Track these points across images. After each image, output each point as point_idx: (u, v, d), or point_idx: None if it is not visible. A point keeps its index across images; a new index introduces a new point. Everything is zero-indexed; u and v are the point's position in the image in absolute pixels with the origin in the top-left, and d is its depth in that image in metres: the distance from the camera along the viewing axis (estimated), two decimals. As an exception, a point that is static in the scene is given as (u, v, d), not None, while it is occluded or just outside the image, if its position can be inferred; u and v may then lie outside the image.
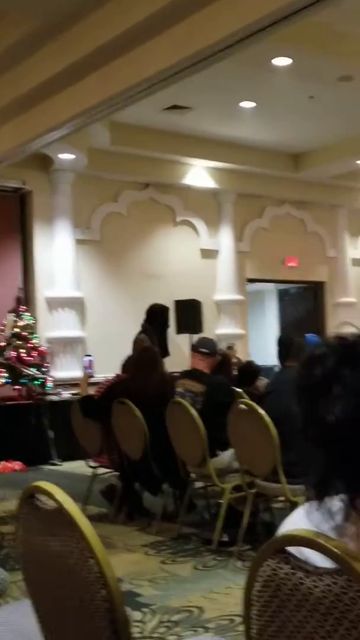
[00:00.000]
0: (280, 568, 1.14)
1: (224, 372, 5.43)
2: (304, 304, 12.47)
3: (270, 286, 13.56)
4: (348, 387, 1.05)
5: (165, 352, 8.11)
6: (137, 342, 6.51)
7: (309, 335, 6.82)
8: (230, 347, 9.34)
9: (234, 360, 8.13)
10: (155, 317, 8.54)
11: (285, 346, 4.41)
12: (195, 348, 5.15)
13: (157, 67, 5.94)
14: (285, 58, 6.60)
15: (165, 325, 8.78)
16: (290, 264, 11.49)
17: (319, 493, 1.10)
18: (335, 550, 1.05)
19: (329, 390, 1.06)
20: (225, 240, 10.67)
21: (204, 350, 5.09)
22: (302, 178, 10.85)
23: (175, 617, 3.43)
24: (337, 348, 1.10)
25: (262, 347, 10.73)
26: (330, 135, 9.66)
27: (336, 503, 1.17)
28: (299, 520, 1.21)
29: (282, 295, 13.11)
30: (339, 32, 6.63)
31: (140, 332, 8.37)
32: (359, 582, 1.02)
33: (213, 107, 8.37)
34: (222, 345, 9.60)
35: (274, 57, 6.57)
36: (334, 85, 7.41)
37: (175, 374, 5.45)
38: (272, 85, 7.55)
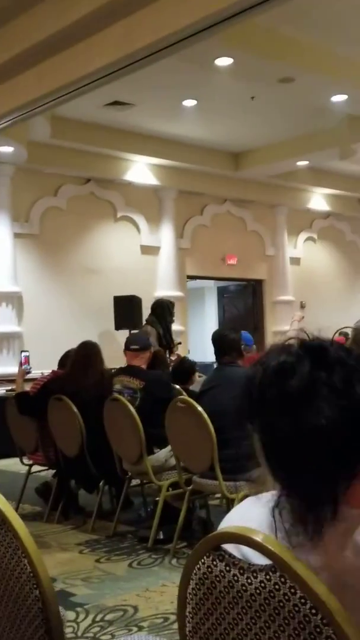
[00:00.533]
0: (215, 566, 1.14)
1: (157, 368, 5.42)
2: (243, 302, 12.59)
3: (210, 283, 13.66)
4: (331, 391, 1.06)
5: (169, 345, 8.31)
6: (144, 334, 6.50)
7: (243, 333, 6.85)
8: (176, 344, 9.38)
9: (174, 357, 8.15)
10: (162, 310, 8.66)
11: (219, 343, 4.43)
12: (126, 346, 5.12)
13: (99, 64, 5.90)
14: (227, 58, 6.63)
15: (170, 318, 8.85)
16: (230, 262, 11.59)
17: (311, 501, 1.08)
18: (269, 546, 1.06)
19: (311, 397, 1.06)
20: (165, 236, 10.68)
21: (134, 347, 5.06)
22: (243, 177, 10.94)
23: (109, 617, 3.41)
24: (306, 354, 1.10)
25: (202, 344, 10.78)
26: (270, 135, 9.77)
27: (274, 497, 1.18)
28: (244, 514, 1.22)
29: (222, 293, 13.21)
30: (280, 34, 6.71)
31: (146, 324, 8.36)
32: (292, 579, 1.03)
33: (155, 104, 8.36)
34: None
35: (217, 57, 6.60)
36: (274, 86, 7.49)
37: (114, 370, 5.41)
38: (214, 84, 7.58)
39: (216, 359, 4.49)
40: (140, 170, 10.11)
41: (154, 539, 4.48)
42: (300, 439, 1.05)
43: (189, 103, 8.38)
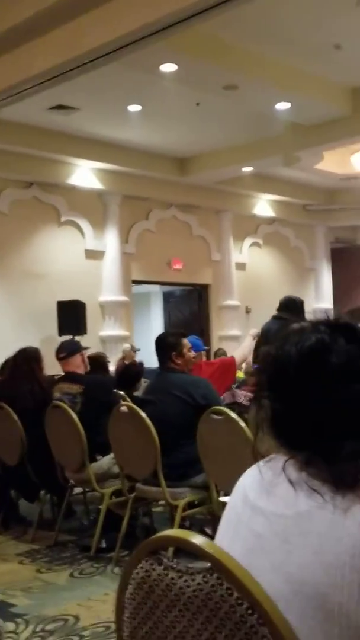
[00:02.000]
0: (153, 569, 1.14)
1: (97, 373, 5.38)
2: (188, 306, 12.63)
3: (156, 288, 13.66)
4: None
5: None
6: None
7: (194, 338, 6.84)
8: (130, 350, 9.35)
9: (126, 362, 8.10)
10: None
11: (158, 346, 4.40)
12: (56, 356, 5.09)
13: (43, 67, 5.86)
14: (172, 64, 6.66)
15: None
16: (176, 267, 11.61)
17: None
18: (206, 549, 1.06)
19: (352, 368, 1.14)
20: (110, 241, 10.64)
21: (61, 355, 5.05)
22: (188, 182, 10.99)
23: (50, 627, 3.37)
24: (338, 332, 1.18)
25: (148, 349, 10.74)
26: (215, 141, 9.85)
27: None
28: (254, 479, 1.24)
29: (168, 298, 13.23)
30: (225, 42, 6.77)
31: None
32: (229, 580, 1.04)
33: (100, 108, 8.34)
34: (127, 347, 9.61)
35: (161, 63, 6.61)
36: (219, 93, 7.54)
37: (56, 377, 5.35)
38: (159, 90, 7.61)
39: (160, 363, 4.47)
40: (85, 174, 10.05)
41: (96, 548, 4.44)
42: (348, 405, 1.11)
43: (134, 108, 8.38)
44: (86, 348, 5.39)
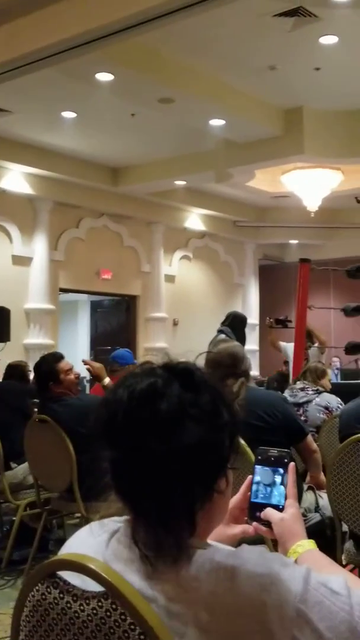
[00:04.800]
0: (49, 592, 1.12)
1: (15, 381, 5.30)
2: (116, 317, 12.58)
3: (84, 297, 13.56)
4: (199, 412, 1.09)
5: None
6: None
7: (122, 350, 6.79)
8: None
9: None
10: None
11: (38, 378, 4.17)
12: None
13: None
14: (108, 74, 6.65)
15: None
16: (105, 276, 11.56)
17: (170, 524, 1.07)
18: (102, 573, 1.05)
19: (181, 418, 1.07)
20: (39, 248, 10.50)
21: None
22: (121, 192, 10.98)
23: None
24: (174, 377, 1.12)
25: (74, 359, 10.62)
26: (150, 153, 9.88)
27: (116, 525, 1.17)
28: (82, 542, 1.20)
29: (95, 307, 13.15)
30: (162, 55, 6.82)
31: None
32: (123, 605, 1.03)
33: (34, 113, 8.24)
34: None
35: (97, 72, 6.60)
36: (154, 105, 7.58)
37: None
38: (94, 98, 7.58)
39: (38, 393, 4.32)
40: (15, 178, 9.90)
41: (7, 560, 4.34)
42: (169, 460, 1.06)
43: (69, 115, 8.33)
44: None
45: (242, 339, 6.55)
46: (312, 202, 9.97)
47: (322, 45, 6.61)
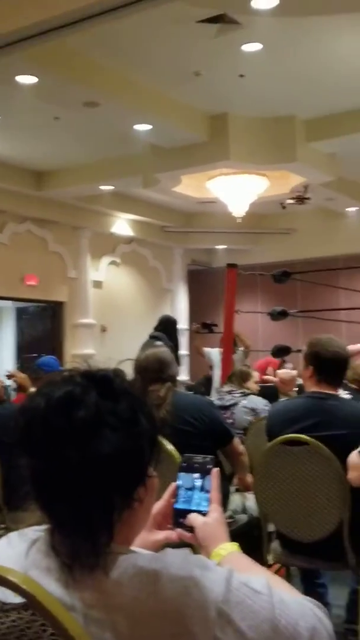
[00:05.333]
0: (-33, 606, 1.08)
1: None
2: (42, 324, 12.40)
3: (8, 304, 13.30)
4: (117, 420, 1.08)
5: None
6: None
7: (48, 358, 6.69)
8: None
9: None
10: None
11: None
12: None
13: None
14: (31, 77, 6.56)
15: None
16: (30, 283, 11.38)
17: (88, 533, 1.05)
18: (21, 584, 1.02)
19: (98, 426, 1.07)
20: None
21: None
22: (45, 197, 10.84)
23: None
24: (92, 384, 1.11)
25: (-2, 366, 10.45)
26: (74, 157, 9.79)
27: (35, 534, 1.14)
28: (0, 553, 1.16)
29: (21, 314, 12.93)
30: (87, 59, 6.77)
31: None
32: (43, 615, 1.01)
33: None
34: None
35: (19, 74, 6.49)
36: (79, 109, 7.51)
37: None
38: (17, 101, 7.44)
39: None
40: None
41: None
42: (86, 468, 1.05)
43: (-10, 117, 8.17)
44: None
45: (176, 344, 6.56)
46: (238, 208, 10.09)
47: (246, 52, 6.70)
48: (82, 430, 1.06)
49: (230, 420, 4.67)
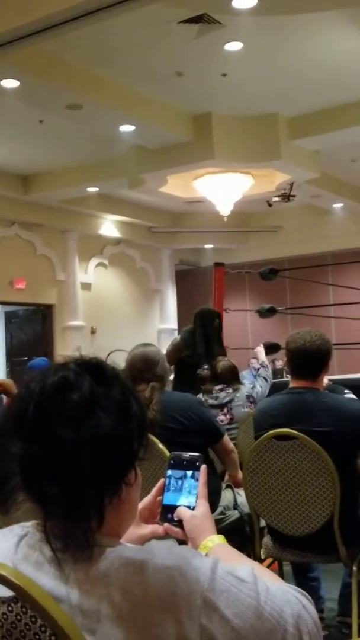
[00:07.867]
0: None
1: None
2: (32, 327, 12.40)
3: (-2, 308, 13.32)
4: (110, 403, 1.11)
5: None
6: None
7: (38, 360, 6.71)
8: None
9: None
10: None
11: None
12: None
13: None
14: (13, 80, 6.56)
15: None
16: (19, 286, 11.38)
17: (79, 517, 1.07)
18: (11, 577, 1.04)
19: (93, 409, 1.09)
20: None
21: None
22: (32, 200, 10.84)
23: None
24: (85, 370, 1.13)
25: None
26: (60, 159, 9.80)
27: (24, 529, 1.16)
28: None
29: (10, 318, 12.92)
30: (70, 62, 6.78)
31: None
32: (33, 608, 1.02)
33: None
34: None
35: (2, 79, 6.50)
36: (63, 112, 7.52)
37: None
38: (0, 105, 7.45)
39: None
40: None
41: None
42: (80, 449, 1.07)
43: (-25, 122, 8.17)
44: None
45: (210, 335, 6.19)
46: (224, 207, 10.12)
47: (228, 51, 6.73)
48: (76, 412, 1.08)
49: (230, 417, 4.68)
